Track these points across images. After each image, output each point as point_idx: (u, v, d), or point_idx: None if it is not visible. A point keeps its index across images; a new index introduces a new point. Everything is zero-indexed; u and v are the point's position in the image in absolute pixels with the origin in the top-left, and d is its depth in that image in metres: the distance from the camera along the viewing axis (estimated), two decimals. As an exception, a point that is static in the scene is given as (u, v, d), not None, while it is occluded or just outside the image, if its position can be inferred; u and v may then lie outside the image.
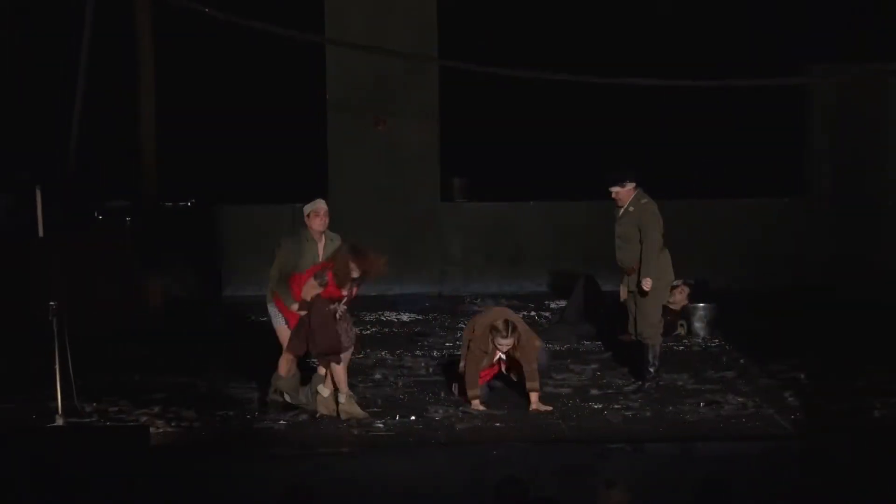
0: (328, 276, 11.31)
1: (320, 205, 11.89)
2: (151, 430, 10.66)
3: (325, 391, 11.64)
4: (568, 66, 16.28)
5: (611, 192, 12.25)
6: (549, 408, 11.76)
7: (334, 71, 17.21)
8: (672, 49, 17.16)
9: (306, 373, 12.00)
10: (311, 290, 11.36)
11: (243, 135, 17.96)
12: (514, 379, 12.01)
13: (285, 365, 11.76)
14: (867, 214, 17.00)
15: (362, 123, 17.13)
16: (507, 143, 17.90)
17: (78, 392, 11.46)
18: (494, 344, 11.75)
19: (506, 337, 11.70)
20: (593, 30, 17.73)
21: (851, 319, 14.93)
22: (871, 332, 14.34)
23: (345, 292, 11.41)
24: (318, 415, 11.61)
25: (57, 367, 11.14)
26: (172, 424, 11.46)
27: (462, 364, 11.98)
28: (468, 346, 11.85)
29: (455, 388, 12.18)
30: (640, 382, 12.37)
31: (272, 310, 11.88)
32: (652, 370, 12.29)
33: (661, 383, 12.39)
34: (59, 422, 11.12)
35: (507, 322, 11.77)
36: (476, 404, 11.75)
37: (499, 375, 12.08)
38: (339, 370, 11.54)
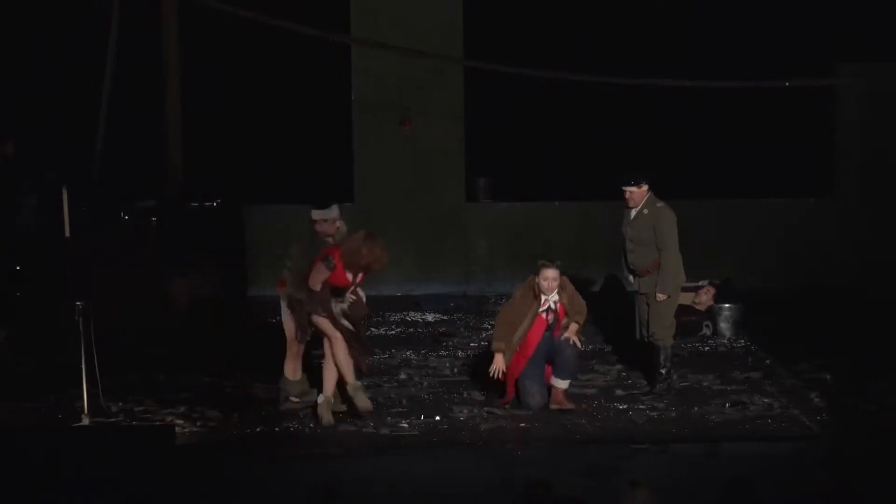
0: (335, 259, 11.27)
1: (332, 212, 11.77)
2: (177, 429, 10.67)
3: (320, 398, 11.59)
4: (593, 67, 16.28)
5: (624, 192, 12.18)
6: (579, 342, 11.74)
7: (360, 71, 17.22)
8: (700, 48, 17.12)
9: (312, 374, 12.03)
10: (318, 274, 11.26)
11: (269, 134, 18.00)
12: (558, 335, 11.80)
13: (290, 365, 11.77)
14: (894, 213, 16.89)
15: (387, 123, 17.14)
16: (531, 143, 17.89)
17: (104, 391, 11.50)
18: (540, 285, 11.66)
19: (550, 267, 11.67)
20: (618, 30, 17.68)
21: (879, 320, 14.86)
22: (898, 332, 14.28)
23: (349, 276, 11.37)
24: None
25: (83, 366, 11.18)
26: (198, 424, 11.50)
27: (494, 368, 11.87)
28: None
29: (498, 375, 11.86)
30: (651, 385, 12.30)
31: (283, 303, 11.83)
32: (663, 371, 12.20)
33: (673, 387, 12.30)
34: (85, 421, 11.17)
35: (550, 259, 11.80)
36: (499, 360, 11.65)
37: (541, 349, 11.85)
38: (329, 374, 11.51)
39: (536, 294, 11.76)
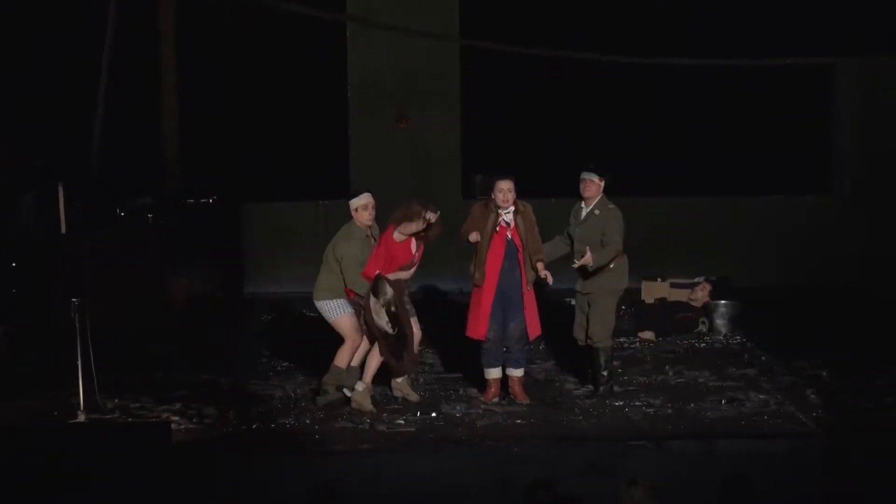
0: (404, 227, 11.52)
1: (368, 198, 11.85)
2: (173, 427, 10.67)
3: (360, 385, 11.74)
4: (591, 65, 16.30)
5: (583, 180, 12.07)
6: (549, 277, 11.74)
7: (356, 68, 17.22)
8: (699, 47, 17.14)
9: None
10: (411, 225, 11.49)
11: (266, 132, 18.00)
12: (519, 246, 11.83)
13: (347, 356, 11.79)
14: (892, 210, 16.89)
15: (384, 121, 17.14)
16: (528, 141, 17.88)
17: (100, 389, 11.50)
18: (496, 197, 11.73)
19: (505, 178, 11.76)
20: (616, 29, 17.65)
21: (877, 317, 14.85)
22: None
23: (413, 248, 11.58)
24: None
25: (79, 363, 11.18)
26: (194, 421, 11.49)
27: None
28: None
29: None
30: (594, 388, 12.17)
31: (332, 303, 11.79)
32: (605, 374, 12.10)
33: (616, 389, 12.23)
34: (81, 418, 11.17)
35: (505, 171, 11.91)
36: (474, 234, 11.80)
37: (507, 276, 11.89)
38: (376, 358, 11.67)
39: (493, 209, 11.80)
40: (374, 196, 11.98)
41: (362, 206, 11.82)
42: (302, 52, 17.44)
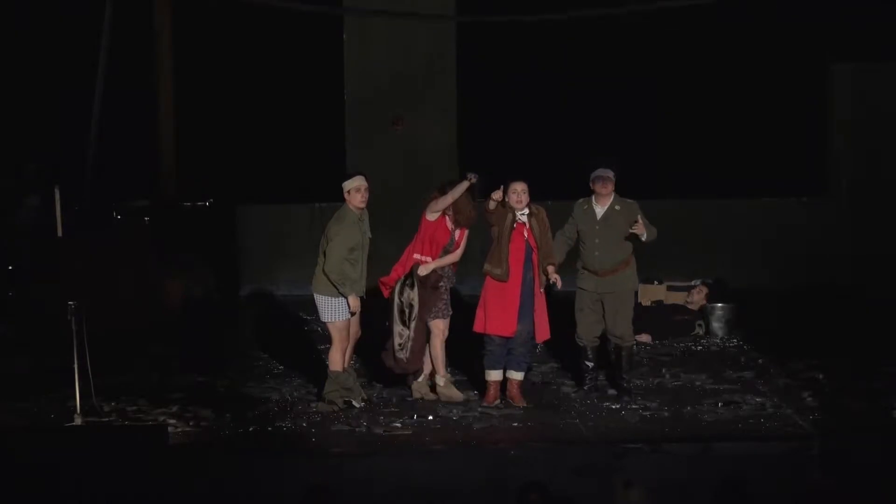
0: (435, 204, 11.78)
1: (361, 180, 11.82)
2: (170, 429, 10.67)
3: (441, 380, 12.03)
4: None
5: (600, 180, 12.04)
6: (559, 282, 11.78)
7: (352, 70, 17.22)
8: (690, 47, 17.18)
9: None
10: (454, 191, 11.66)
11: (262, 134, 18.00)
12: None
13: (339, 358, 11.76)
14: (887, 212, 16.91)
15: (380, 123, 17.14)
16: (524, 142, 17.88)
17: (96, 391, 11.50)
18: (509, 198, 11.72)
19: (519, 180, 11.80)
20: (613, 31, 17.67)
21: (872, 318, 14.87)
22: (892, 331, 14.25)
23: (450, 226, 11.80)
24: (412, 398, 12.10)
25: (76, 366, 11.18)
26: (191, 424, 11.49)
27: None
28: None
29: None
30: (616, 391, 12.21)
31: (330, 302, 11.73)
32: (627, 376, 12.16)
33: (612, 392, 12.25)
34: (78, 421, 11.16)
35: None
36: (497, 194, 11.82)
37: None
38: (437, 349, 11.91)
39: (509, 208, 11.78)
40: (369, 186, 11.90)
41: (354, 188, 11.79)
42: (298, 53, 17.44)
